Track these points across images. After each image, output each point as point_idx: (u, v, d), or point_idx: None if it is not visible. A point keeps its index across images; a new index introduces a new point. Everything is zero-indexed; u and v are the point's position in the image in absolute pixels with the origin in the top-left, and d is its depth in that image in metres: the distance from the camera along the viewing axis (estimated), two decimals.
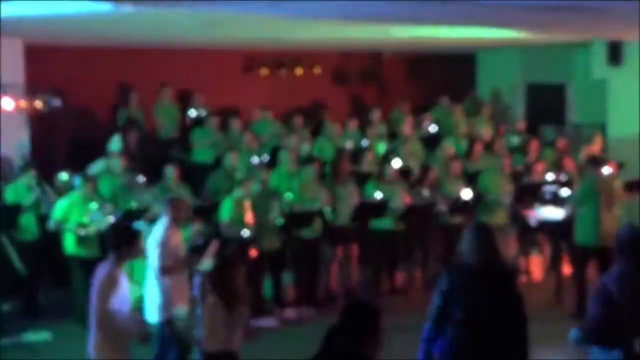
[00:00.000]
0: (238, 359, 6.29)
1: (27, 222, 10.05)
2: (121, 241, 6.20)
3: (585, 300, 9.83)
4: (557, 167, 12.37)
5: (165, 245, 7.56)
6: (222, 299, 6.17)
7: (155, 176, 10.79)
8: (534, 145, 13.22)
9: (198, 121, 13.58)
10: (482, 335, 5.48)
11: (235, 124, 13.11)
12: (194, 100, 14.00)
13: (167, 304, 7.55)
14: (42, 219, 10.11)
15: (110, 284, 6.03)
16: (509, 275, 5.79)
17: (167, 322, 7.53)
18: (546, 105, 15.69)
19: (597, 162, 10.35)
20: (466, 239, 5.67)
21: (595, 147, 12.92)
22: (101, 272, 6.15)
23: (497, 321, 5.49)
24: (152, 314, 7.63)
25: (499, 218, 11.19)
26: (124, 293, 6.13)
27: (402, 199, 10.87)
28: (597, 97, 14.65)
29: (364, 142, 13.32)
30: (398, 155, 12.36)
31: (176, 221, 7.76)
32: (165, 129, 13.60)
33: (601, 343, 5.74)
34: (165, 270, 7.53)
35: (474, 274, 5.58)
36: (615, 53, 13.85)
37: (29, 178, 10.22)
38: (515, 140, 14.32)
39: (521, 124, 14.78)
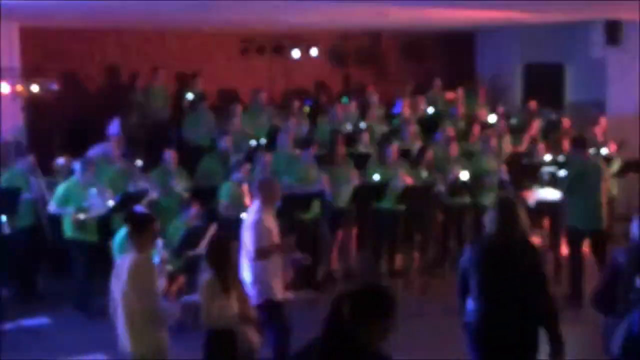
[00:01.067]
0: (237, 336, 6.24)
1: (23, 208, 10.02)
2: (143, 228, 5.85)
3: (580, 282, 9.87)
4: (555, 147, 12.28)
5: (259, 228, 7.32)
6: (218, 277, 6.17)
7: (153, 160, 10.77)
8: (535, 125, 13.19)
9: (195, 104, 13.52)
10: (501, 309, 5.52)
11: (231, 108, 13.03)
12: (191, 84, 13.94)
13: (262, 287, 7.29)
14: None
15: (144, 275, 5.69)
16: (529, 249, 5.70)
17: (265, 306, 7.23)
18: (544, 85, 15.63)
19: (583, 144, 10.13)
20: (489, 213, 5.75)
21: (599, 128, 12.84)
22: (129, 264, 5.73)
23: (516, 294, 5.51)
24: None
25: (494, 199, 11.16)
26: (156, 282, 5.82)
27: (403, 179, 10.84)
28: (595, 77, 14.60)
29: (363, 124, 13.26)
30: (399, 137, 12.33)
31: (268, 203, 7.56)
32: (157, 112, 13.55)
33: (601, 310, 5.85)
34: (260, 253, 7.27)
35: (492, 247, 5.63)
36: (613, 32, 13.78)
37: (25, 166, 10.21)
38: (515, 120, 14.27)
39: (532, 104, 14.60)
